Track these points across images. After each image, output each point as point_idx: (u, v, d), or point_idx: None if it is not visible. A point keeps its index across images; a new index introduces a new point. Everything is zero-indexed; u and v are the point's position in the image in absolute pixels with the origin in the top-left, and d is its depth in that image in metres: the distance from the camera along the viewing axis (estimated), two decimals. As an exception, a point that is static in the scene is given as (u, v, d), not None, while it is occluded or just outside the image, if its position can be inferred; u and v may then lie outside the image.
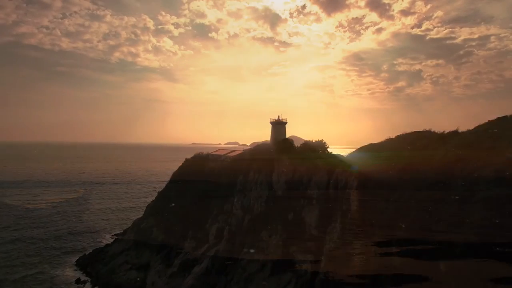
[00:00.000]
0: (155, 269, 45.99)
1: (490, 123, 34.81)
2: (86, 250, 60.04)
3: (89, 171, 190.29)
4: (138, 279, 45.76)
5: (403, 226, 26.86)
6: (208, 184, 51.67)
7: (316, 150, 45.49)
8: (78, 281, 48.23)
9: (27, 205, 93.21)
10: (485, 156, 27.63)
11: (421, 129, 41.37)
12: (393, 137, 43.28)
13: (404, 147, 38.14)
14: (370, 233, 29.31)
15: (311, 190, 38.36)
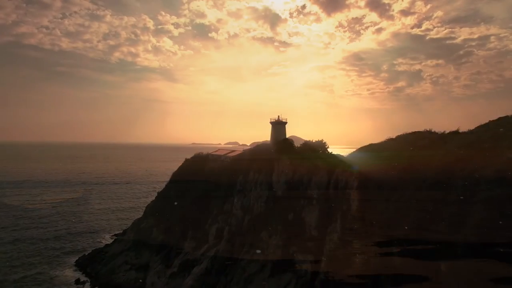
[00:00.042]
0: (154, 270, 45.91)
1: (491, 123, 34.72)
2: (86, 251, 59.98)
3: (89, 171, 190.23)
4: (141, 281, 45.66)
5: (404, 226, 26.79)
6: (208, 184, 51.60)
7: (316, 150, 45.38)
8: (77, 281, 48.18)
9: (26, 205, 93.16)
10: (486, 156, 27.54)
11: (421, 129, 41.28)
12: (394, 137, 43.16)
13: (405, 147, 38.03)
14: (370, 233, 29.25)
15: (311, 190, 38.27)
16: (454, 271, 22.22)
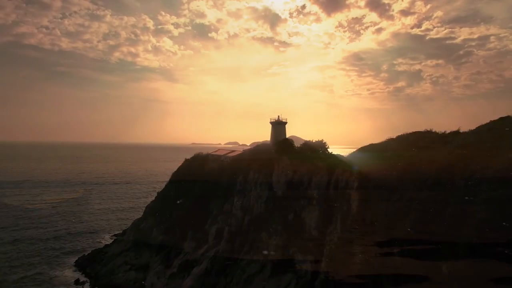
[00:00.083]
0: (154, 270, 45.81)
1: (492, 123, 34.56)
2: (86, 251, 59.90)
3: (89, 171, 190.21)
4: (143, 282, 45.53)
5: (404, 226, 26.70)
6: (208, 184, 51.52)
7: (316, 150, 45.28)
8: (77, 282, 48.10)
9: (26, 205, 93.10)
10: (487, 157, 27.44)
11: (421, 129, 41.20)
12: (394, 137, 43.06)
13: (405, 148, 37.93)
14: (370, 233, 29.16)
15: (311, 191, 38.17)
16: (454, 271, 22.12)
